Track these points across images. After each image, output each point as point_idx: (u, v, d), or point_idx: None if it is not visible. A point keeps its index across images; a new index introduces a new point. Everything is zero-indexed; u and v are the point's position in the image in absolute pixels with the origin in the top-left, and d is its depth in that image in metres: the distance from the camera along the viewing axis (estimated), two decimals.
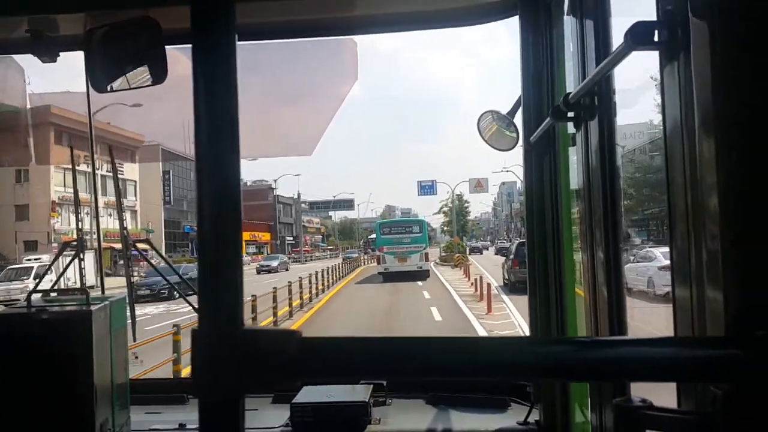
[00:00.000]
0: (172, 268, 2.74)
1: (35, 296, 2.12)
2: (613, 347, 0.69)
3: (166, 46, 2.04)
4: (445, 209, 69.04)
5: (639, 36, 0.93)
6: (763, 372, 0.62)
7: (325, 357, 0.64)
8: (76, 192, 2.78)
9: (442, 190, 72.64)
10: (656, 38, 0.92)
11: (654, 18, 0.94)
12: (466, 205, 77.92)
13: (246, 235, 71.62)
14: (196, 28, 0.63)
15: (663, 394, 0.81)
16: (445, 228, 72.62)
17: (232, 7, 0.63)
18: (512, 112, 2.41)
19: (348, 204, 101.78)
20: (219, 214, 0.61)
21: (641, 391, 0.83)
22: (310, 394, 2.29)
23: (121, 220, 2.89)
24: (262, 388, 0.64)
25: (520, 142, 2.23)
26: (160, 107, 2.94)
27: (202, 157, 0.61)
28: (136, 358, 2.81)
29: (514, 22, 2.09)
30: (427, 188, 71.48)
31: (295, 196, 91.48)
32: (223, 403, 0.62)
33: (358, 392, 2.34)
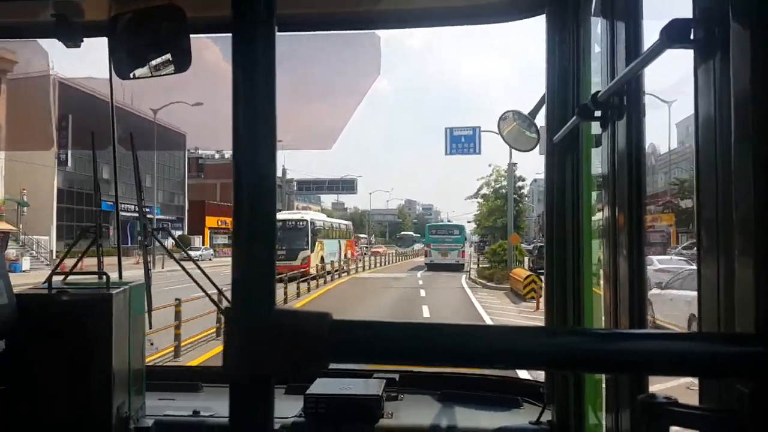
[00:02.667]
0: (191, 258, 2.75)
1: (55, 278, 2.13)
2: (635, 340, 0.68)
3: (191, 35, 2.04)
4: (487, 190, 44.67)
5: (675, 33, 0.92)
6: None
7: (355, 339, 0.65)
8: (96, 178, 2.80)
9: (488, 150, 49.60)
10: (692, 36, 0.90)
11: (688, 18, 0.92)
12: (521, 184, 46.34)
13: (212, 221, 61.13)
14: (237, 16, 0.63)
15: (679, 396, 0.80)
16: (483, 223, 49.85)
17: None
18: (534, 112, 2.39)
19: (349, 186, 78.22)
20: (254, 201, 0.63)
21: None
22: (323, 386, 2.30)
23: (141, 207, 2.91)
24: (292, 369, 0.65)
25: (541, 142, 2.21)
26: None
27: (239, 146, 0.62)
28: (152, 344, 2.83)
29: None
30: (462, 142, 36.38)
31: (281, 174, 61.82)
32: (253, 384, 0.63)
33: (371, 386, 2.35)
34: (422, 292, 24.50)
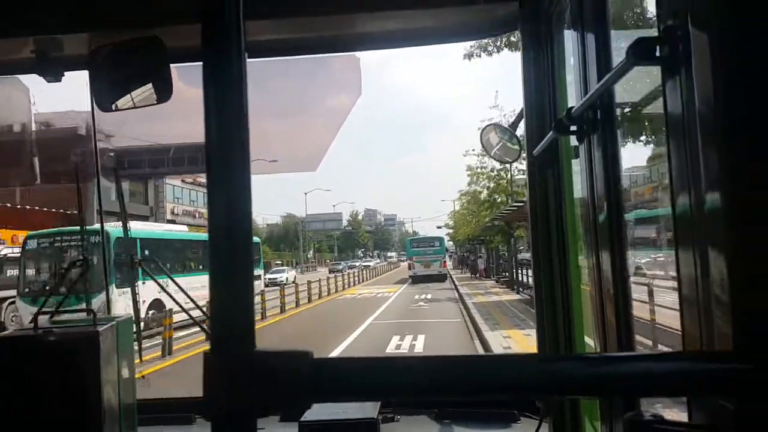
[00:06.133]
0: (178, 286, 2.74)
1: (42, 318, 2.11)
2: (622, 363, 0.68)
3: (171, 65, 2.05)
4: (478, 186, 32.75)
5: (640, 52, 0.94)
6: None
7: (338, 377, 0.64)
8: (81, 212, 2.79)
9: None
10: (658, 53, 0.92)
11: (655, 33, 0.94)
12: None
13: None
14: (206, 45, 0.63)
15: (671, 409, 0.81)
16: (461, 230, 46.04)
17: (242, 25, 0.63)
18: (514, 125, 2.42)
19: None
20: (230, 234, 0.62)
21: (650, 405, 0.82)
22: (318, 411, 2.28)
23: (126, 235, 2.90)
24: (274, 410, 0.64)
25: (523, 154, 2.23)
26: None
27: (213, 174, 0.62)
28: (144, 378, 2.80)
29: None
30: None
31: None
32: (235, 426, 0.62)
33: (366, 409, 2.33)
34: None
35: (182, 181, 47.04)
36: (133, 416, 2.22)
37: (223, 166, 0.62)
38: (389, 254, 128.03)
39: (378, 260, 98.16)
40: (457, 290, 30.95)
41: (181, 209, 50.69)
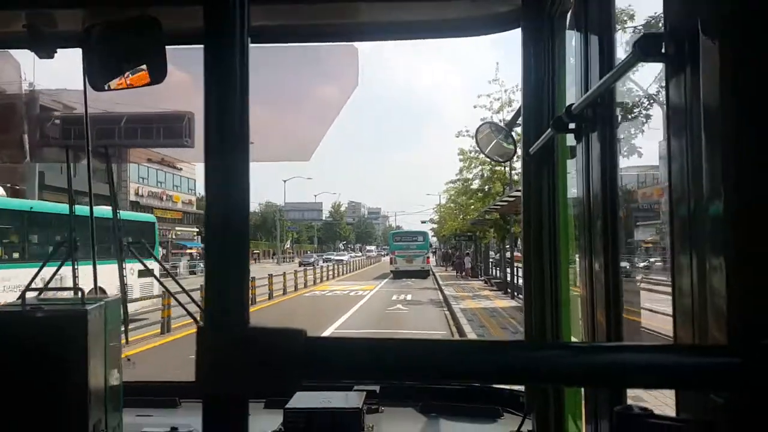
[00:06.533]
0: (167, 270, 2.72)
1: (29, 294, 2.09)
2: (612, 353, 0.68)
3: (166, 46, 2.03)
4: (470, 173, 28.88)
5: (647, 48, 0.94)
6: (764, 381, 0.62)
7: (330, 356, 0.64)
8: (70, 191, 2.76)
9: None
10: (663, 50, 0.93)
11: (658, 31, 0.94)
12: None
13: None
14: (209, 28, 0.62)
15: (656, 405, 0.81)
16: (448, 224, 42.07)
17: (246, 8, 0.63)
18: (511, 124, 2.41)
19: None
20: (227, 214, 0.62)
21: (635, 400, 0.82)
22: (303, 399, 2.28)
23: (116, 218, 2.87)
24: (267, 387, 0.64)
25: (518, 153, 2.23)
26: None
27: (211, 157, 0.62)
28: (129, 360, 2.78)
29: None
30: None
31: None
32: (228, 403, 0.62)
33: (351, 399, 2.34)
34: None
35: (148, 160, 40.54)
36: (118, 398, 2.21)
37: (223, 150, 0.62)
38: (368, 248, 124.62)
39: (352, 254, 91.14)
40: (442, 291, 26.93)
41: (147, 190, 48.20)
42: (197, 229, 57.84)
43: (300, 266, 47.50)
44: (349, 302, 23.49)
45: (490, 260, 34.77)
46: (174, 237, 53.99)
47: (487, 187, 27.16)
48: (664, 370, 0.63)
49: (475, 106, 24.53)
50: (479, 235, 34.24)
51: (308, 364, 0.63)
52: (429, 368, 0.66)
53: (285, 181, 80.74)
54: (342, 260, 60.46)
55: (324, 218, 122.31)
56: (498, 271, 29.82)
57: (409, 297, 25.40)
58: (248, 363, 0.61)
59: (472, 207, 29.77)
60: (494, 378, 0.68)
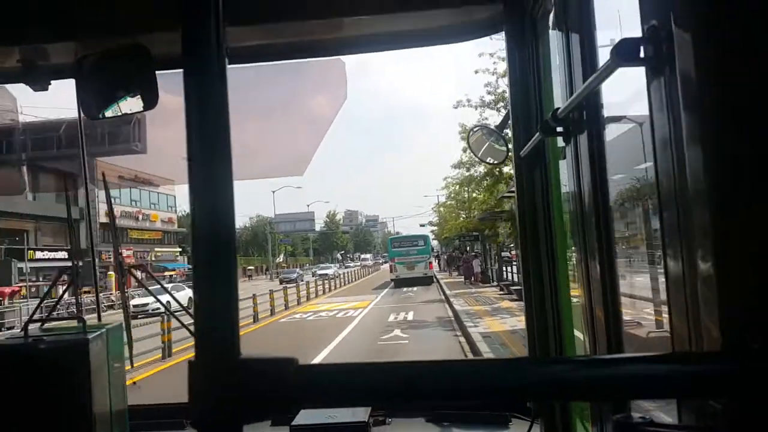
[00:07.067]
0: (167, 291, 2.73)
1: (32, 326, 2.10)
2: (612, 365, 0.68)
3: (157, 72, 2.05)
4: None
5: (625, 53, 0.94)
6: (760, 385, 0.62)
7: (322, 384, 0.64)
8: (70, 219, 2.77)
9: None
10: (642, 54, 0.92)
11: (639, 33, 0.94)
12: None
13: None
14: (187, 52, 0.63)
15: (662, 410, 0.81)
16: (450, 223, 40.71)
17: (222, 31, 0.63)
18: (501, 126, 2.43)
19: None
20: (213, 241, 0.61)
21: (641, 406, 0.82)
22: (309, 416, 2.28)
23: (116, 245, 2.89)
24: (259, 416, 0.64)
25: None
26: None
27: (195, 181, 0.61)
28: (135, 384, 2.78)
29: None
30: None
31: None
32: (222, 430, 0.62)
33: (357, 413, 2.33)
34: None
35: (119, 177, 35.19)
36: (124, 422, 2.21)
37: (205, 172, 0.62)
38: (363, 256, 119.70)
39: (337, 266, 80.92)
40: (450, 306, 21.45)
41: (120, 210, 44.27)
42: (180, 249, 53.99)
43: (281, 284, 42.16)
44: (336, 327, 18.96)
45: (503, 261, 29.80)
46: (153, 259, 49.83)
47: (497, 170, 21.13)
48: (663, 380, 0.63)
49: (476, 71, 19.95)
50: (488, 234, 29.93)
51: (301, 392, 0.62)
52: (427, 392, 0.65)
53: (274, 192, 76.68)
54: (326, 274, 52.44)
55: (318, 228, 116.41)
56: (515, 275, 25.30)
57: (410, 317, 20.64)
58: (241, 395, 0.61)
59: (480, 198, 25.60)
60: (496, 398, 0.67)
